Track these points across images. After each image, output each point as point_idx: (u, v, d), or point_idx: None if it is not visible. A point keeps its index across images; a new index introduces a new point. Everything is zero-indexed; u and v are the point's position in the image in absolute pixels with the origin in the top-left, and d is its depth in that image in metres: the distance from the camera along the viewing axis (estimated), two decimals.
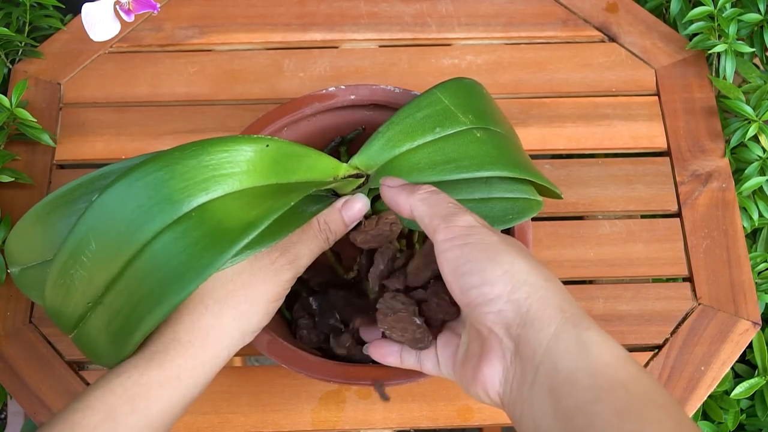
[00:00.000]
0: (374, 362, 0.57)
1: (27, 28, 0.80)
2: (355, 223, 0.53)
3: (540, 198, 0.57)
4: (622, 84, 0.79)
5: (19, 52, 0.79)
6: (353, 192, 0.54)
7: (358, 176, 0.53)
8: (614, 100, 0.79)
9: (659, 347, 0.68)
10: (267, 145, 0.49)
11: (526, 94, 0.79)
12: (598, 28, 0.83)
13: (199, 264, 0.43)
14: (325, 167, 0.52)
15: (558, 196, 0.59)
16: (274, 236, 0.47)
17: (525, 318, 0.42)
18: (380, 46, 0.81)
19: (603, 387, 0.39)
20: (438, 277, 0.52)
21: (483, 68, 0.80)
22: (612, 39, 0.82)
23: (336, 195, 0.54)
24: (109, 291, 0.45)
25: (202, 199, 0.45)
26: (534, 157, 0.74)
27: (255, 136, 0.49)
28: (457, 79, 0.57)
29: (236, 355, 0.65)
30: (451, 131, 0.54)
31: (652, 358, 0.67)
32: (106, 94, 0.78)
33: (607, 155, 0.77)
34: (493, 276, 0.43)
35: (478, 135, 0.54)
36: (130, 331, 0.45)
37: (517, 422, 0.42)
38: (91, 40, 0.65)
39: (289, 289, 0.51)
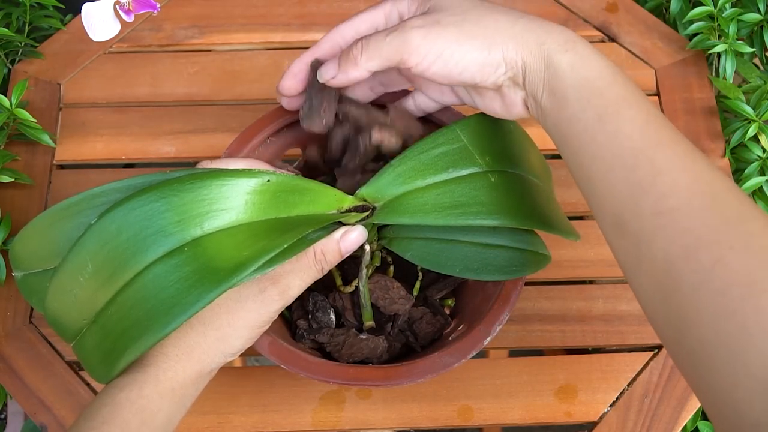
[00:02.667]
0: (374, 363, 0.57)
1: (27, 28, 0.79)
2: (350, 253, 0.52)
3: (548, 253, 0.56)
4: None
5: (19, 53, 0.79)
6: (357, 223, 0.52)
7: (363, 209, 0.52)
8: None
9: (659, 347, 0.68)
10: (268, 180, 0.48)
11: None
12: (598, 28, 0.82)
13: (186, 300, 0.43)
14: (329, 200, 0.51)
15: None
16: (271, 263, 0.46)
17: (524, 70, 0.48)
18: None
19: (585, 97, 0.46)
20: None
21: None
22: (612, 39, 0.82)
23: (340, 222, 0.52)
24: (103, 313, 0.46)
25: (197, 233, 0.45)
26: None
27: (256, 170, 0.48)
28: (481, 114, 0.55)
29: None
30: (465, 173, 0.52)
31: (652, 358, 0.67)
32: (106, 94, 0.78)
33: None
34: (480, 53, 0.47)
35: (493, 180, 0.52)
36: (117, 356, 0.45)
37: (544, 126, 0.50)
38: (91, 40, 0.64)
39: (276, 317, 0.50)
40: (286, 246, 0.46)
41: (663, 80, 0.79)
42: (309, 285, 0.50)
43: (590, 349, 0.68)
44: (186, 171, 0.47)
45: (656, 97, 0.78)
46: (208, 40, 0.81)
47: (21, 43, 0.79)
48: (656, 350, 0.67)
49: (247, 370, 0.67)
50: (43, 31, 0.82)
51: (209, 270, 0.44)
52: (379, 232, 0.57)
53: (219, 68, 0.79)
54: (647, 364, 0.67)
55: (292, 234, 0.47)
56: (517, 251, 0.54)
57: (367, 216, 0.52)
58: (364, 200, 0.52)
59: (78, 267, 0.45)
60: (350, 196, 0.52)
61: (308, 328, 0.58)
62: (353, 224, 0.52)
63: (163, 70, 0.79)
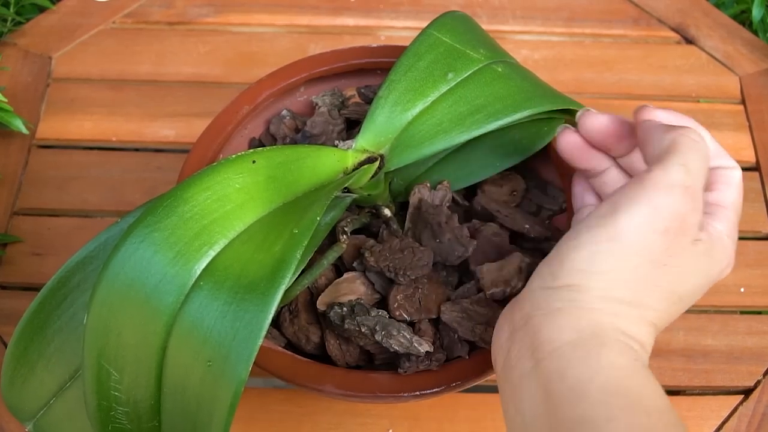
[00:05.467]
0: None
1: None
2: None
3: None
4: (703, 89, 0.70)
5: (9, 21, 0.71)
6: (371, 179, 0.43)
7: (370, 160, 0.43)
8: (694, 106, 0.69)
9: (750, 390, 0.56)
10: (254, 162, 0.39)
11: (590, 94, 0.70)
12: (674, 29, 0.74)
13: (237, 342, 0.33)
14: (329, 162, 0.42)
15: None
16: (305, 254, 0.38)
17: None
18: None
19: (619, 406, 0.32)
20: None
21: (540, 64, 0.71)
22: (690, 41, 0.73)
23: (348, 191, 0.44)
24: (162, 416, 0.36)
25: (204, 260, 0.35)
26: None
27: (234, 156, 0.39)
28: (449, 13, 0.48)
29: None
30: (467, 73, 0.45)
31: (741, 403, 0.55)
32: (101, 69, 0.69)
33: None
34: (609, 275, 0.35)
35: (500, 70, 0.45)
36: None
37: (503, 403, 0.36)
38: (91, 14, 0.56)
39: None
40: (318, 219, 0.37)
41: (749, 89, 0.70)
42: None
43: (668, 390, 0.56)
44: (146, 204, 0.38)
45: (742, 106, 0.69)
46: (224, 19, 0.72)
47: (8, 19, 0.70)
48: (746, 394, 0.55)
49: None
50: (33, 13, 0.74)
51: (244, 288, 0.34)
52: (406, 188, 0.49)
53: (234, 49, 0.70)
54: (735, 409, 0.55)
55: (318, 206, 0.38)
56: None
57: (379, 168, 0.43)
58: (367, 151, 0.43)
59: (102, 380, 0.35)
60: (350, 151, 0.43)
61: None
62: (369, 181, 0.43)
63: (170, 48, 0.70)
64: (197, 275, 0.35)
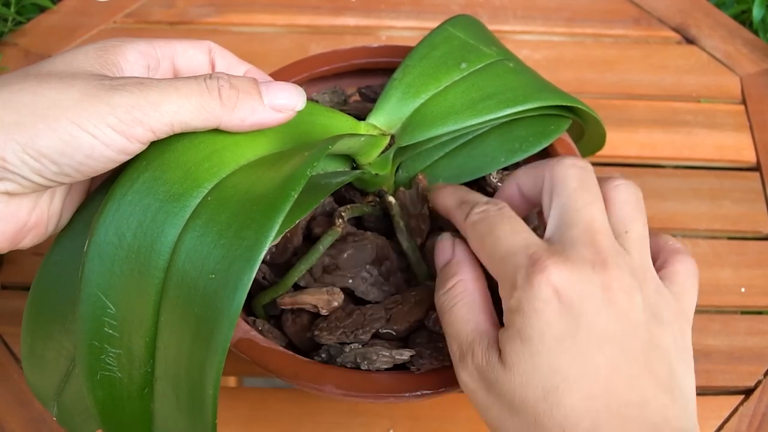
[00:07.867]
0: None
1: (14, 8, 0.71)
2: (280, 117, 0.37)
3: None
4: (704, 89, 0.70)
5: (9, 21, 0.71)
6: (379, 157, 0.44)
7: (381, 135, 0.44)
8: (695, 106, 0.69)
9: (750, 390, 0.55)
10: None
11: (591, 94, 0.70)
12: (675, 29, 0.74)
13: (241, 250, 0.31)
14: (342, 127, 0.43)
15: (602, 139, 0.53)
16: (297, 212, 0.36)
17: None
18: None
19: None
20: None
21: (542, 64, 0.71)
22: (691, 41, 0.73)
23: (355, 167, 0.45)
24: (156, 355, 0.34)
25: (213, 180, 0.35)
26: (600, 163, 0.65)
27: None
28: (462, 15, 0.50)
29: (231, 374, 0.54)
30: (480, 65, 0.46)
31: (742, 403, 0.55)
32: None
33: (687, 167, 0.66)
34: None
35: (511, 65, 0.46)
36: (201, 390, 0.32)
37: None
38: (92, 13, 0.56)
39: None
40: (330, 148, 0.36)
41: (749, 89, 0.70)
42: (187, 125, 0.34)
43: None
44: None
45: (743, 107, 0.69)
46: (225, 19, 0.72)
47: (9, 19, 0.70)
48: (747, 394, 0.55)
49: (241, 391, 0.55)
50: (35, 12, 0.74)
51: (252, 201, 0.33)
52: (400, 172, 0.49)
53: (235, 49, 0.70)
54: (736, 409, 0.54)
55: (321, 145, 0.36)
56: (540, 114, 0.48)
57: (387, 146, 0.44)
58: (377, 129, 0.44)
59: (96, 317, 0.33)
60: (363, 123, 0.44)
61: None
62: (376, 159, 0.44)
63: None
64: (205, 193, 0.34)
